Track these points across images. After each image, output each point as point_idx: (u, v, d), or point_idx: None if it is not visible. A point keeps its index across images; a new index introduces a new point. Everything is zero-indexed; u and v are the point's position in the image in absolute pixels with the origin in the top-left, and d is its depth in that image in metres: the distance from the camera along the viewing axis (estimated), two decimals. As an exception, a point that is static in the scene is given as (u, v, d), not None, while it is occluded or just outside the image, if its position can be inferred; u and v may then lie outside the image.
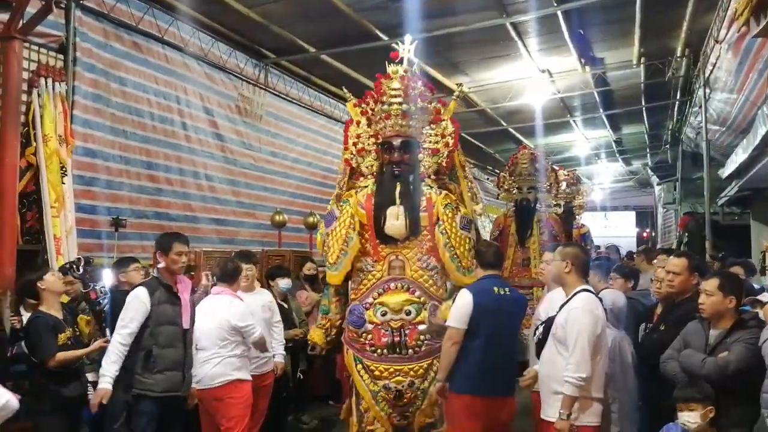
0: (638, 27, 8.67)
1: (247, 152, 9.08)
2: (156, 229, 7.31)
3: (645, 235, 23.89)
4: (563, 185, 9.99)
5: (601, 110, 13.14)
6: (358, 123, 4.39)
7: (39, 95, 5.72)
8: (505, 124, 13.77)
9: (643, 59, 10.15)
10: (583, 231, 10.35)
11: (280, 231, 8.77)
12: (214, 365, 4.01)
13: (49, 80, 5.80)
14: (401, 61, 4.37)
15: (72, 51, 6.19)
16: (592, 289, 3.37)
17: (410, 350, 3.95)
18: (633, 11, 8.13)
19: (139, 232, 7.06)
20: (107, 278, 5.14)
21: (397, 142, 4.11)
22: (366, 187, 4.24)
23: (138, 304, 3.80)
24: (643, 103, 12.68)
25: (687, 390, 3.01)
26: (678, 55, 10.05)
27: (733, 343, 3.11)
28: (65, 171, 5.84)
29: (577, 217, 10.44)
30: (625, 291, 4.64)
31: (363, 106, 4.42)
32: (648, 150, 17.69)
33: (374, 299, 4.03)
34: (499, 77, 10.89)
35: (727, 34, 6.87)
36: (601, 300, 3.35)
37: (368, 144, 4.34)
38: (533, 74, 10.59)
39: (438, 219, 4.06)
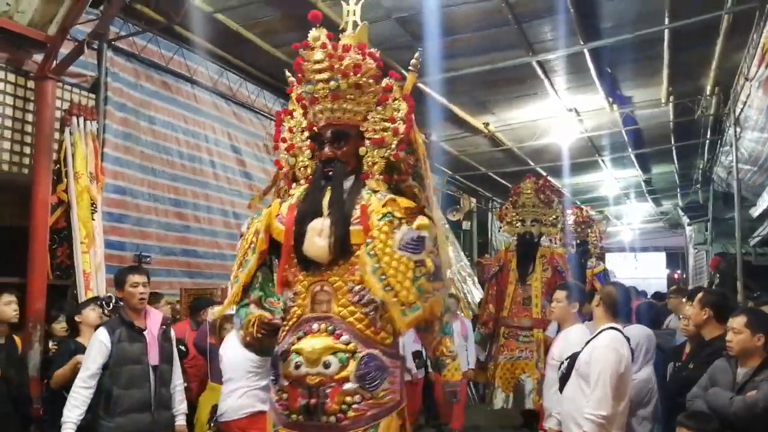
0: (666, 65, 8.62)
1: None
2: (183, 266, 7.33)
3: (676, 276, 23.43)
4: (570, 219, 9.62)
5: (630, 149, 13.02)
6: (292, 113, 3.19)
7: (71, 133, 5.81)
8: (532, 163, 13.71)
9: (671, 98, 10.06)
10: (598, 270, 9.61)
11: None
12: (239, 396, 3.96)
13: (81, 119, 5.91)
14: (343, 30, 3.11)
15: (103, 90, 6.31)
16: (619, 328, 3.30)
17: (331, 417, 2.74)
18: (661, 49, 8.09)
19: (166, 269, 7.08)
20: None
21: (327, 133, 2.92)
22: (293, 195, 3.04)
23: (98, 344, 3.77)
24: (673, 143, 12.54)
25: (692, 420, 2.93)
26: (707, 93, 9.95)
27: (762, 381, 3.02)
28: (95, 207, 5.90)
29: (591, 257, 10.07)
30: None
31: (299, 89, 3.09)
32: (678, 190, 17.44)
33: (291, 345, 2.82)
34: (525, 116, 10.88)
35: (757, 71, 6.79)
36: (628, 339, 3.28)
37: (300, 139, 3.14)
38: (560, 113, 10.55)
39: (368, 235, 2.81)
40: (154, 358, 3.87)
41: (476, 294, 11.90)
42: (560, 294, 4.03)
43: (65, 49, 5.55)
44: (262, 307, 2.91)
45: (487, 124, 11.29)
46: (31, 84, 5.55)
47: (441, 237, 2.96)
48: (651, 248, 25.93)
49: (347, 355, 2.74)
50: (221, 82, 8.14)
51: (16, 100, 5.48)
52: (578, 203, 14.33)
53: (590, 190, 17.41)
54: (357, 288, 2.80)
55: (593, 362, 3.06)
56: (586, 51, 7.95)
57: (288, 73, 3.24)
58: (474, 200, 16.05)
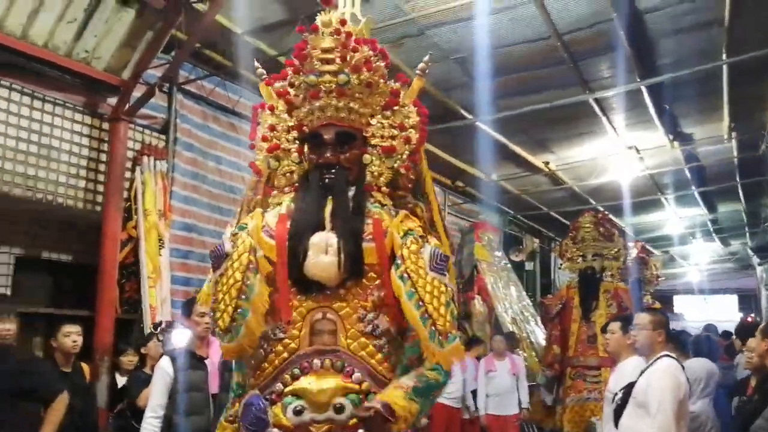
0: (727, 101, 8.43)
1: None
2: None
3: (749, 319, 22.37)
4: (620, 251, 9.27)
5: (694, 187, 12.68)
6: (272, 108, 2.70)
7: (142, 172, 6.12)
8: (593, 201, 13.51)
9: (734, 133, 9.80)
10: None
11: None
12: None
13: (152, 159, 6.22)
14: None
15: (173, 131, 6.62)
16: (674, 356, 3.23)
17: None
18: (720, 85, 7.94)
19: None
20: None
21: (329, 134, 2.47)
22: (280, 204, 2.56)
23: (161, 373, 3.91)
24: (738, 180, 12.16)
25: None
26: (772, 128, 9.67)
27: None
28: (163, 244, 6.15)
29: (647, 294, 9.73)
30: None
31: (280, 83, 2.68)
32: (747, 229, 16.80)
33: (284, 386, 2.29)
34: (585, 154, 10.77)
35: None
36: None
37: (286, 140, 2.65)
38: (620, 151, 10.41)
39: (393, 254, 2.38)
40: (214, 386, 3.99)
41: (539, 334, 11.70)
42: (614, 326, 3.97)
43: (137, 93, 5.89)
44: None
45: (547, 163, 11.23)
46: (105, 125, 5.89)
47: (450, 265, 2.53)
48: (721, 290, 24.91)
49: (360, 396, 2.26)
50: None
51: (91, 141, 5.82)
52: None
53: (653, 230, 16.96)
54: (370, 316, 2.34)
55: (651, 389, 3.00)
56: (643, 88, 7.87)
57: (257, 64, 2.84)
58: (536, 240, 15.88)
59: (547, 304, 7.83)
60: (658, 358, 3.13)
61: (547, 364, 7.47)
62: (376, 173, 2.55)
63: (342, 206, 2.40)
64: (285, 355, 2.32)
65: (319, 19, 2.50)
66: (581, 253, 7.34)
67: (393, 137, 2.56)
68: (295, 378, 2.28)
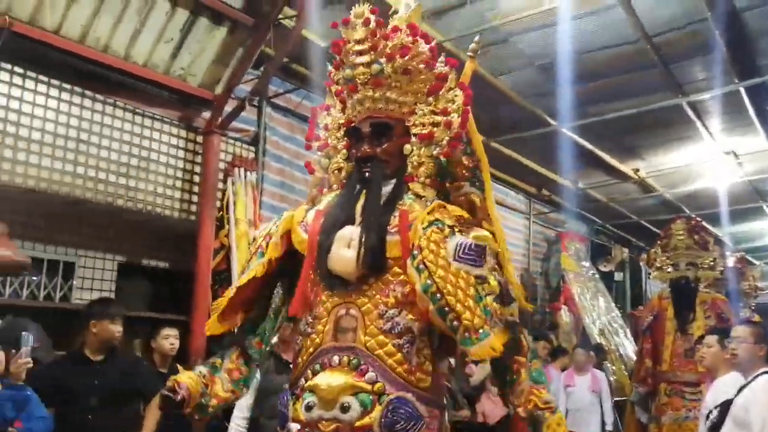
0: (837, 101, 7.92)
1: (417, 237, 9.28)
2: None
3: None
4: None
5: (800, 194, 11.95)
6: (328, 108, 2.68)
7: (233, 183, 6.36)
8: (687, 210, 12.94)
9: None
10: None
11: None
12: None
13: (242, 170, 6.46)
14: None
15: (262, 143, 6.86)
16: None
17: None
18: (829, 84, 7.47)
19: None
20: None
21: (365, 126, 2.41)
22: (322, 201, 2.54)
23: None
24: None
25: None
26: None
27: None
28: (252, 251, 6.36)
29: (746, 307, 9.12)
30: None
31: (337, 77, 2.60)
32: None
33: (306, 381, 2.26)
34: (678, 160, 10.35)
35: None
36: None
37: (336, 137, 2.61)
38: (716, 156, 9.95)
39: (413, 246, 2.21)
40: None
41: (628, 346, 11.33)
42: (711, 339, 3.79)
43: (229, 107, 6.15)
44: (243, 353, 2.52)
45: (636, 170, 10.87)
46: (199, 138, 6.18)
47: (506, 258, 2.36)
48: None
49: (372, 397, 2.13)
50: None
51: (186, 153, 6.12)
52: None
53: (753, 239, 16.04)
54: (390, 313, 2.21)
55: (753, 407, 2.84)
56: (742, 90, 7.51)
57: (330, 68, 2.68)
58: (626, 250, 15.36)
59: (638, 316, 7.54)
60: (760, 374, 2.97)
61: (639, 380, 7.16)
62: (416, 163, 2.41)
63: (373, 199, 2.31)
64: (311, 350, 2.27)
65: (353, 11, 2.42)
66: (672, 262, 6.99)
67: (435, 124, 2.42)
68: (315, 374, 2.21)
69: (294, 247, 2.42)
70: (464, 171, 2.47)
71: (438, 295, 2.08)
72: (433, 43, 2.48)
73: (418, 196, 2.35)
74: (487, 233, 2.25)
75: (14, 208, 5.44)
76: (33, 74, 5.19)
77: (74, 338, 4.65)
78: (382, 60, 2.35)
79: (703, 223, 7.56)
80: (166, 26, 5.66)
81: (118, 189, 5.56)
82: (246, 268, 2.47)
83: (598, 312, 12.01)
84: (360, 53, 2.36)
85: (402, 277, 2.23)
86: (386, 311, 2.21)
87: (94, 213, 5.75)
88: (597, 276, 13.04)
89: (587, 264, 12.90)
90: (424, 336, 2.23)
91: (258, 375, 3.97)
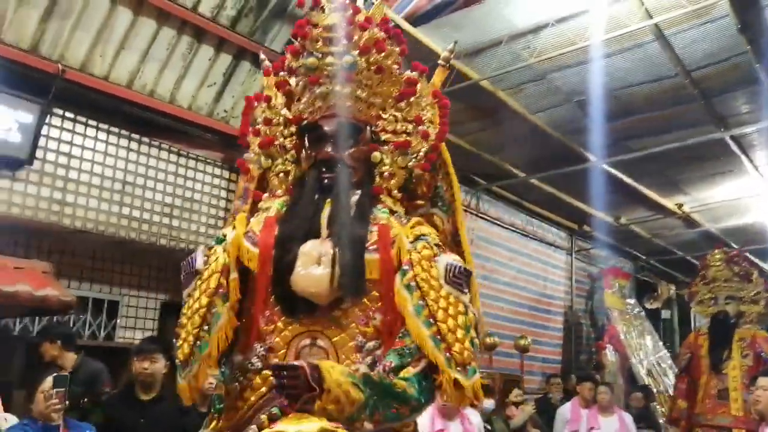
0: None
1: (457, 275, 9.22)
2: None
3: None
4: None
5: None
6: (269, 100, 2.23)
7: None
8: (735, 245, 12.58)
9: None
10: None
11: (491, 354, 8.64)
12: None
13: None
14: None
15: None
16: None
17: None
18: None
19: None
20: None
21: (330, 125, 2.03)
22: (268, 208, 2.10)
23: None
24: None
25: None
26: None
27: None
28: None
29: None
30: None
31: (281, 74, 2.24)
32: None
33: (260, 429, 1.76)
34: (723, 195, 10.12)
35: None
36: None
37: (281, 135, 2.21)
38: (763, 190, 9.69)
39: (400, 264, 1.89)
40: None
41: (678, 388, 10.92)
42: (765, 381, 3.62)
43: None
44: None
45: (680, 205, 10.66)
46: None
47: (475, 291, 2.03)
48: None
49: None
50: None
51: (228, 193, 6.24)
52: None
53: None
54: (370, 345, 1.84)
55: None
56: (788, 122, 7.35)
57: (262, 56, 2.42)
58: (672, 287, 14.97)
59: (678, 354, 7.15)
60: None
61: (670, 420, 6.82)
62: (386, 174, 2.09)
63: (342, 210, 1.93)
64: (264, 390, 1.83)
65: None
66: (713, 296, 6.54)
67: (407, 132, 2.15)
68: (273, 419, 1.72)
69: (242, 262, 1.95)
70: (425, 188, 2.18)
71: (431, 320, 1.77)
72: (403, 46, 2.20)
73: (392, 211, 2.01)
74: (458, 257, 1.97)
75: (62, 248, 5.62)
76: (83, 119, 5.40)
77: (120, 376, 4.72)
78: (356, 53, 2.02)
79: (746, 254, 7.14)
80: (210, 71, 5.85)
81: (161, 229, 5.69)
82: (208, 317, 1.86)
83: (645, 351, 11.69)
84: (330, 41, 2.02)
85: (380, 303, 1.87)
86: (365, 343, 1.84)
87: (138, 253, 5.89)
88: (643, 314, 12.72)
89: (632, 301, 12.61)
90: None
91: None
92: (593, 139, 7.76)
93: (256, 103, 2.25)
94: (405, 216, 2.05)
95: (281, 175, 2.16)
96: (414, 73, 2.22)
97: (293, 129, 2.18)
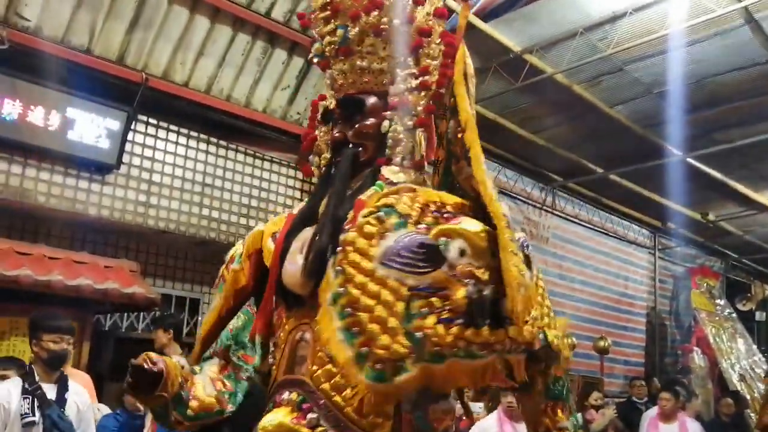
0: None
1: (533, 274, 9.07)
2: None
3: None
4: None
5: None
6: (324, 98, 2.07)
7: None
8: (837, 242, 11.82)
9: None
10: None
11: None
12: None
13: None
14: None
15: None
16: None
17: None
18: None
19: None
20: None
21: (335, 107, 1.92)
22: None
23: None
24: None
25: None
26: None
27: None
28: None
29: None
30: None
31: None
32: None
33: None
34: (821, 187, 9.52)
35: None
36: None
37: (322, 130, 2.04)
38: None
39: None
40: None
41: (776, 395, 10.36)
42: None
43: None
44: (229, 363, 1.97)
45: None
46: (314, 179, 6.39)
47: (509, 256, 1.48)
48: None
49: None
50: (480, 170, 8.51)
51: (303, 194, 6.35)
52: None
53: None
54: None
55: None
56: None
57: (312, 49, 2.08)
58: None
59: None
60: None
61: (761, 427, 6.48)
62: (392, 141, 1.83)
63: (335, 193, 1.75)
64: (271, 384, 1.78)
65: None
66: None
67: (412, 88, 1.89)
68: (268, 413, 1.68)
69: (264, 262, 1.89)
70: (460, 147, 1.76)
71: (348, 309, 1.49)
72: None
73: (390, 183, 1.74)
74: (470, 228, 1.53)
75: (147, 247, 5.87)
76: (165, 124, 5.63)
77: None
78: (346, 24, 1.85)
79: None
80: (283, 74, 5.98)
81: (239, 229, 5.85)
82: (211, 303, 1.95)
83: (737, 355, 11.13)
84: (325, 21, 1.89)
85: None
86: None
87: (217, 252, 6.05)
88: (735, 316, 12.11)
89: (722, 302, 12.02)
90: None
91: None
92: (676, 131, 7.45)
93: (321, 104, 2.05)
94: (401, 185, 1.72)
95: (322, 168, 1.97)
96: (431, 21, 1.92)
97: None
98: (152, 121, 5.59)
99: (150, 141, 5.56)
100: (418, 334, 1.45)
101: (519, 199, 9.07)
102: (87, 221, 5.33)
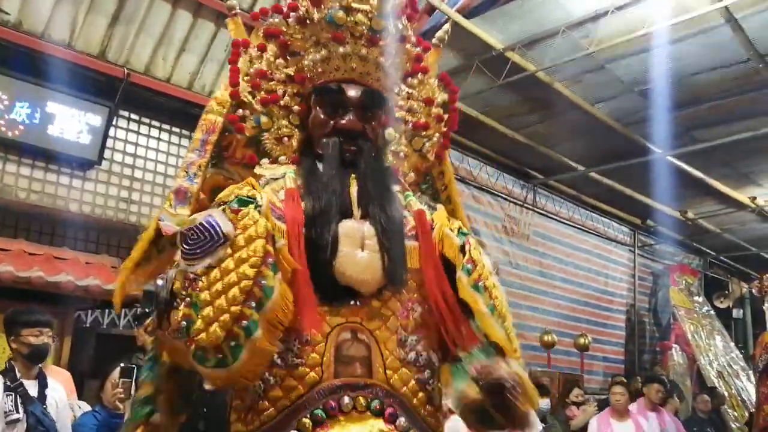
0: None
1: (514, 271, 9.13)
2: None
3: None
4: None
5: None
6: (263, 49, 1.94)
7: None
8: (813, 239, 12.01)
9: None
10: None
11: (549, 352, 8.50)
12: None
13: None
14: None
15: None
16: None
17: None
18: None
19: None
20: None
21: (356, 91, 1.79)
22: (277, 178, 1.77)
23: None
24: None
25: None
26: None
27: None
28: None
29: None
30: None
31: (272, 18, 1.96)
32: None
33: None
34: (799, 187, 9.68)
35: None
36: None
37: (285, 93, 1.91)
38: None
39: (443, 257, 1.74)
40: None
41: (751, 390, 10.51)
42: None
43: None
44: None
45: (754, 198, 10.22)
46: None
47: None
48: None
49: None
50: (462, 167, 8.53)
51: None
52: None
53: None
54: (411, 340, 1.65)
55: None
56: None
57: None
58: (745, 285, 14.39)
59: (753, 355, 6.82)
60: None
61: (760, 429, 6.54)
62: (402, 155, 1.90)
63: (377, 188, 1.71)
64: (301, 389, 1.56)
65: None
66: None
67: (418, 112, 1.98)
68: (318, 424, 1.52)
69: None
70: (417, 177, 2.02)
71: (500, 318, 1.69)
72: (417, 14, 2.04)
73: (409, 194, 1.84)
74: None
75: (128, 243, 5.80)
76: (147, 120, 5.59)
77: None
78: (387, 15, 1.80)
79: None
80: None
81: (222, 225, 5.82)
82: (256, 288, 1.46)
83: (715, 352, 11.28)
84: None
85: (416, 294, 1.70)
86: (407, 338, 1.65)
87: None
88: (713, 313, 12.28)
89: (701, 299, 12.18)
90: (440, 366, 1.73)
91: None
92: (657, 129, 7.53)
93: (243, 51, 1.95)
94: (424, 203, 1.86)
95: (284, 139, 1.87)
96: (418, 48, 2.01)
97: (297, 88, 1.90)
98: (134, 116, 5.55)
99: (132, 137, 5.52)
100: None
101: (500, 197, 9.11)
102: (68, 217, 5.28)
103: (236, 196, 1.61)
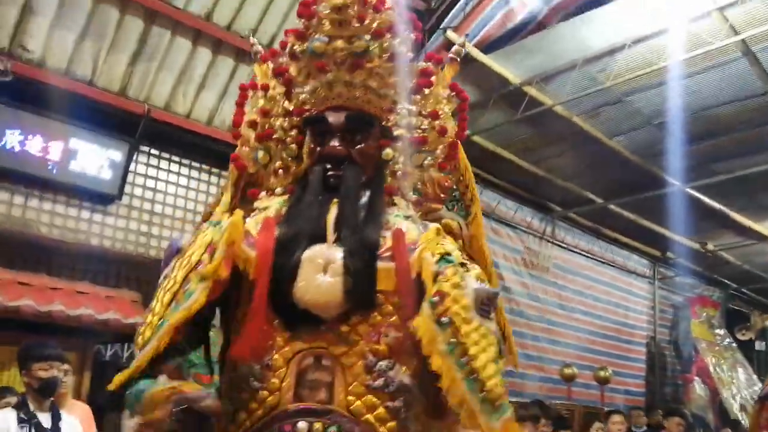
0: None
1: (534, 304, 9.05)
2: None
3: None
4: None
5: None
6: (266, 89, 1.97)
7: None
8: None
9: None
10: None
11: (570, 385, 8.37)
12: None
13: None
14: None
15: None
16: None
17: None
18: None
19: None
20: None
21: (337, 117, 1.79)
22: (266, 208, 1.81)
23: None
24: None
25: None
26: None
27: None
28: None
29: None
30: None
31: (280, 60, 1.98)
32: None
33: None
34: (821, 218, 9.55)
35: None
36: None
37: (281, 128, 1.92)
38: None
39: (419, 281, 1.63)
40: None
41: (775, 425, 10.26)
42: None
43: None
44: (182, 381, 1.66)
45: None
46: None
47: (500, 305, 1.82)
48: None
49: None
50: (481, 200, 8.47)
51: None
52: None
53: None
54: (382, 365, 1.60)
55: None
56: None
57: (253, 39, 2.15)
58: (767, 316, 14.17)
59: None
60: None
61: None
62: (399, 173, 1.86)
63: (351, 211, 1.69)
64: (260, 413, 1.58)
65: None
66: None
67: (422, 128, 1.93)
68: None
69: (237, 265, 1.66)
70: (438, 191, 1.93)
71: (464, 359, 1.52)
72: (418, 33, 1.98)
73: (405, 216, 1.77)
74: (480, 270, 1.71)
75: (148, 278, 5.83)
76: (167, 155, 5.65)
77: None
78: (368, 37, 1.79)
79: None
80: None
81: (240, 259, 5.83)
82: (179, 295, 1.59)
83: (737, 385, 11.05)
84: (341, 24, 1.79)
85: (394, 317, 1.62)
86: (376, 363, 1.59)
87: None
88: (735, 345, 12.06)
89: (722, 332, 11.99)
90: (420, 397, 1.63)
91: None
92: (675, 162, 7.48)
93: (251, 93, 1.97)
94: (420, 221, 1.79)
95: (280, 172, 1.89)
96: (429, 63, 1.98)
97: (294, 121, 1.90)
98: (154, 152, 5.61)
99: (152, 171, 5.58)
100: (503, 377, 1.58)
101: (519, 229, 9.07)
102: (89, 251, 5.32)
103: (212, 220, 1.74)
